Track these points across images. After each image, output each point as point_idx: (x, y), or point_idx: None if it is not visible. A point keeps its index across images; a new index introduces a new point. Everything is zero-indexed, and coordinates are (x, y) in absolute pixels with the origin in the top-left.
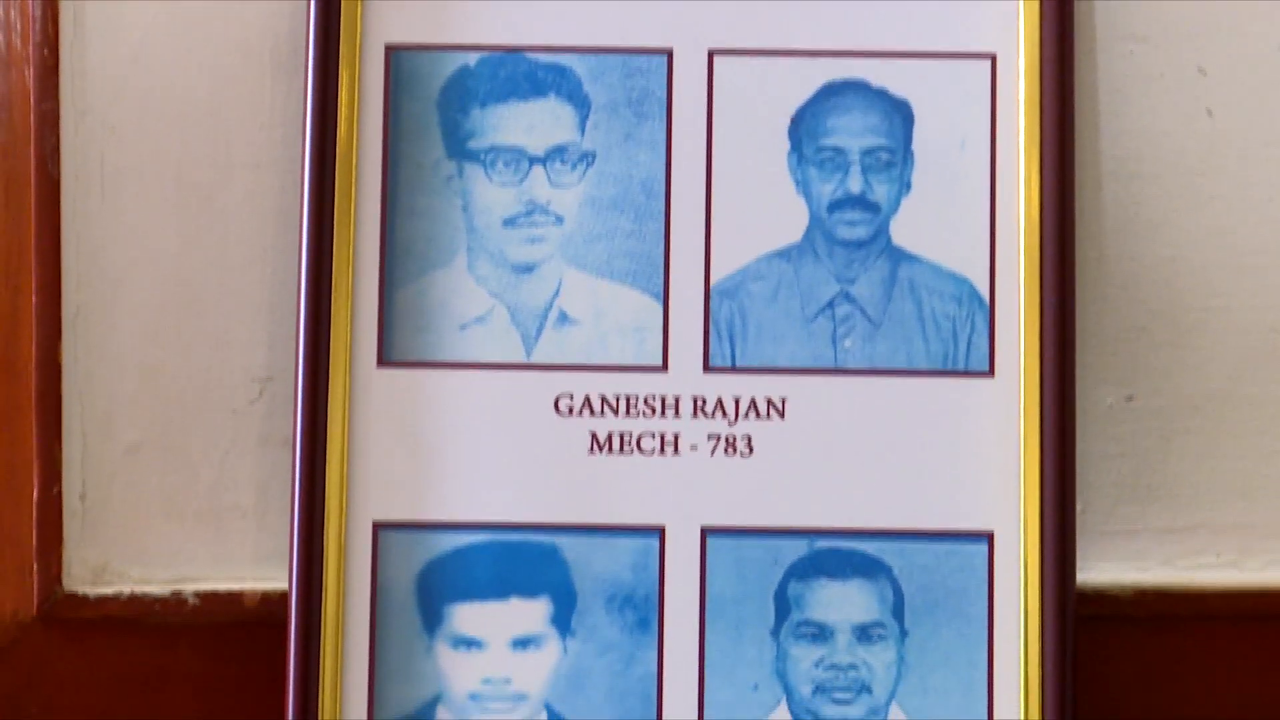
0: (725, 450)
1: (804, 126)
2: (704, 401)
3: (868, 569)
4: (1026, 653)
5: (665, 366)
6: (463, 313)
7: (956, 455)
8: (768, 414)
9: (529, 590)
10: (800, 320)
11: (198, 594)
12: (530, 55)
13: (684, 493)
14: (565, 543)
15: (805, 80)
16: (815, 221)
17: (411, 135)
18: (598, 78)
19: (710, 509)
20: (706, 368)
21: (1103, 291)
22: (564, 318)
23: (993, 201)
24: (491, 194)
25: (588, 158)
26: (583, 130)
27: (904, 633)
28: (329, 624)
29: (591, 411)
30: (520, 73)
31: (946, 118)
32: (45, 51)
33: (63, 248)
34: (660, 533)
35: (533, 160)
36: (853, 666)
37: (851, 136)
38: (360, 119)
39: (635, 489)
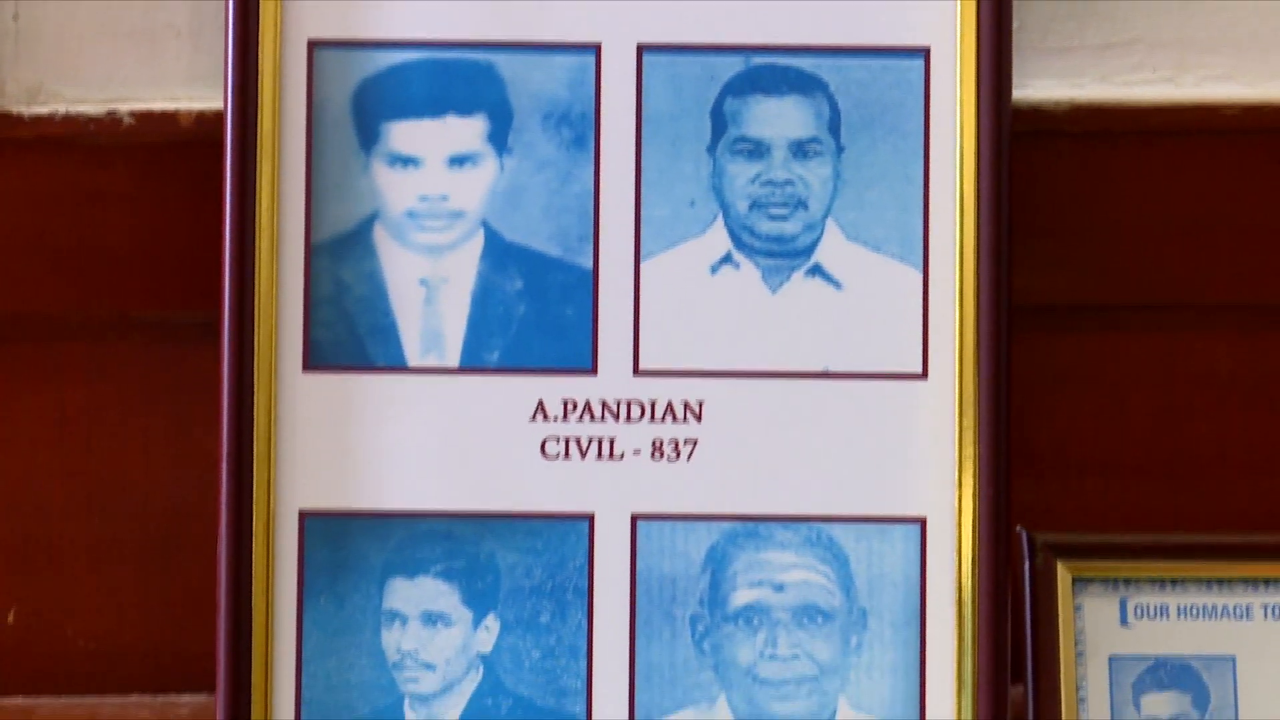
0: None
1: None
2: None
3: (804, 85)
4: (962, 168)
5: None
6: None
7: None
8: None
9: (465, 108)
10: None
11: (133, 114)
12: None
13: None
14: (501, 60)
15: None
16: None
17: None
18: None
19: (648, 27)
20: None
21: None
22: None
23: None
24: None
25: None
26: None
27: (840, 148)
28: (265, 142)
29: None
30: None
31: None
32: None
33: None
34: (596, 50)
35: None
36: (789, 182)
37: None
38: None
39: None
